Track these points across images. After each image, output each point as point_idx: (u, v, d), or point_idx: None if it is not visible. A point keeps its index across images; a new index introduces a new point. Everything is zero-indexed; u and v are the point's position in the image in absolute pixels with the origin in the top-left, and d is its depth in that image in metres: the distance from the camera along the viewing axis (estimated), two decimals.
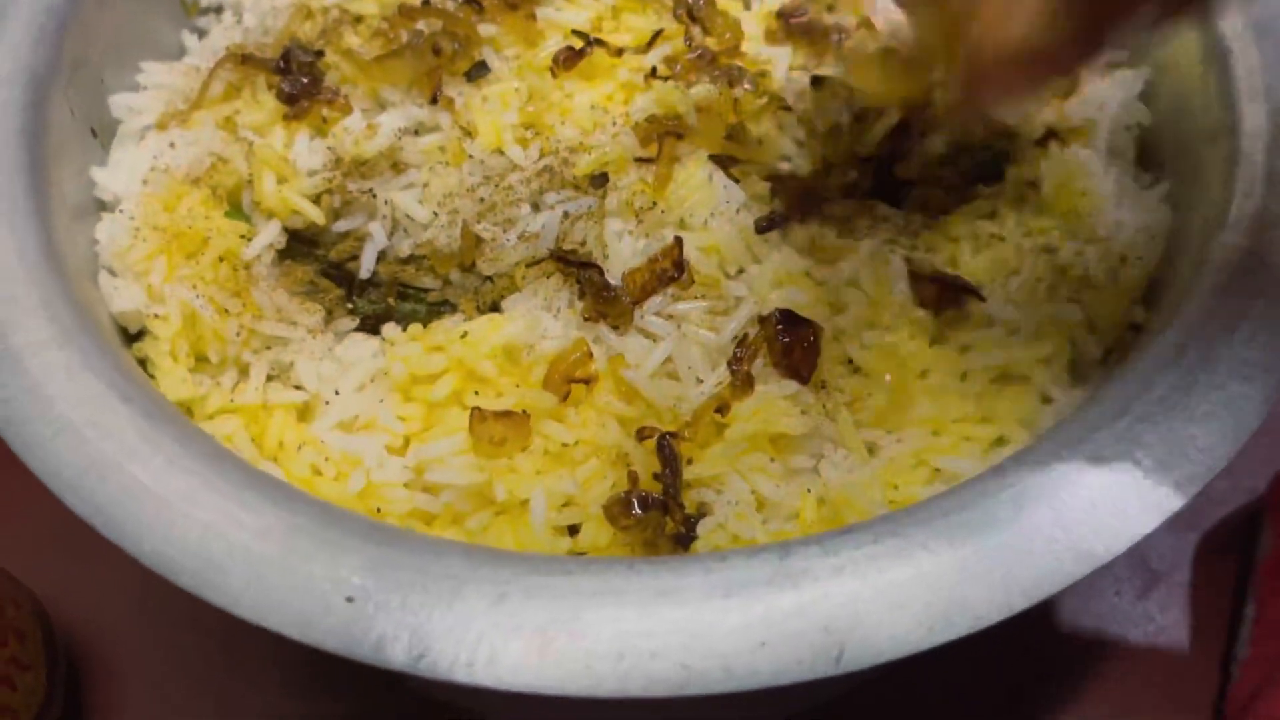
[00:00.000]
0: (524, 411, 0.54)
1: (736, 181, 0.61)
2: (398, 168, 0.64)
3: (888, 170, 0.64)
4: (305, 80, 0.64)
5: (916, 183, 0.63)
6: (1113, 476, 0.48)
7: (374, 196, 0.63)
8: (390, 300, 0.62)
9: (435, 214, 0.62)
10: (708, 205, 0.59)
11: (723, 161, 0.61)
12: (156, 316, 0.58)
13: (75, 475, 0.47)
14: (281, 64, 0.66)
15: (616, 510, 0.52)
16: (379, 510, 0.54)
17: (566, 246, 0.60)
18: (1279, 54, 0.62)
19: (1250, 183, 0.59)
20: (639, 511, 0.52)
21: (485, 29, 0.66)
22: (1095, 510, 0.47)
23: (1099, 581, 0.78)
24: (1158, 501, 0.47)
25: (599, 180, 0.61)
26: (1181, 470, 0.48)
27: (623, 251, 0.59)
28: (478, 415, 0.53)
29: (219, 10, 0.76)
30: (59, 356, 0.51)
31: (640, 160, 0.61)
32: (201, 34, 0.75)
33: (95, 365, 0.51)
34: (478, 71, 0.65)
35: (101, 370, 0.51)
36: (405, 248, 0.62)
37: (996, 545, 0.45)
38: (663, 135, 0.60)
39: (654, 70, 0.63)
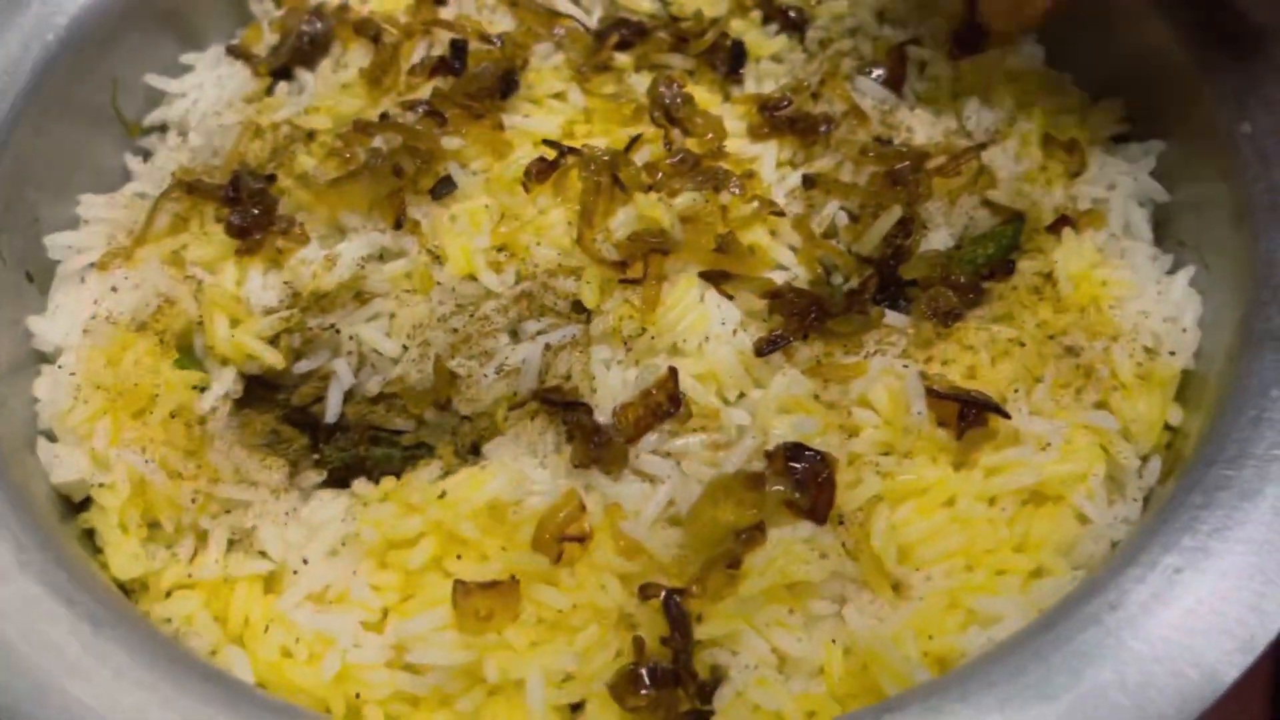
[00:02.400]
0: (512, 578, 0.49)
1: (730, 298, 0.56)
2: (361, 298, 0.59)
3: (892, 271, 0.59)
4: (256, 211, 0.60)
5: (923, 284, 0.59)
6: (1175, 622, 0.43)
7: (337, 332, 0.58)
8: (361, 447, 0.56)
9: (405, 347, 0.57)
10: (701, 328, 0.54)
11: (714, 277, 0.56)
12: (103, 486, 0.53)
13: (12, 700, 0.42)
14: (231, 192, 0.61)
15: (623, 688, 0.46)
16: (358, 695, 0.48)
17: (550, 381, 0.54)
18: None
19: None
20: (649, 687, 0.46)
21: (449, 142, 0.61)
22: (1160, 666, 0.42)
23: None
24: (1235, 644, 0.42)
25: (582, 304, 0.56)
26: (1256, 598, 0.43)
27: (612, 383, 0.54)
28: (461, 590, 0.47)
29: (163, 129, 0.71)
30: None
31: (625, 282, 0.56)
32: (146, 155, 0.70)
33: (34, 563, 0.45)
34: (443, 188, 0.61)
35: (40, 567, 0.45)
36: (374, 385, 0.57)
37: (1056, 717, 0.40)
38: (647, 253, 0.55)
39: (615, 178, 0.58)
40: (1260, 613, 0.43)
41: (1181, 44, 0.63)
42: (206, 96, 0.71)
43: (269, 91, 0.70)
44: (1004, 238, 0.62)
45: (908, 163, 0.60)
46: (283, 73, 0.71)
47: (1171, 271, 0.62)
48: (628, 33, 0.68)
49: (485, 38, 0.66)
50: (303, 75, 0.70)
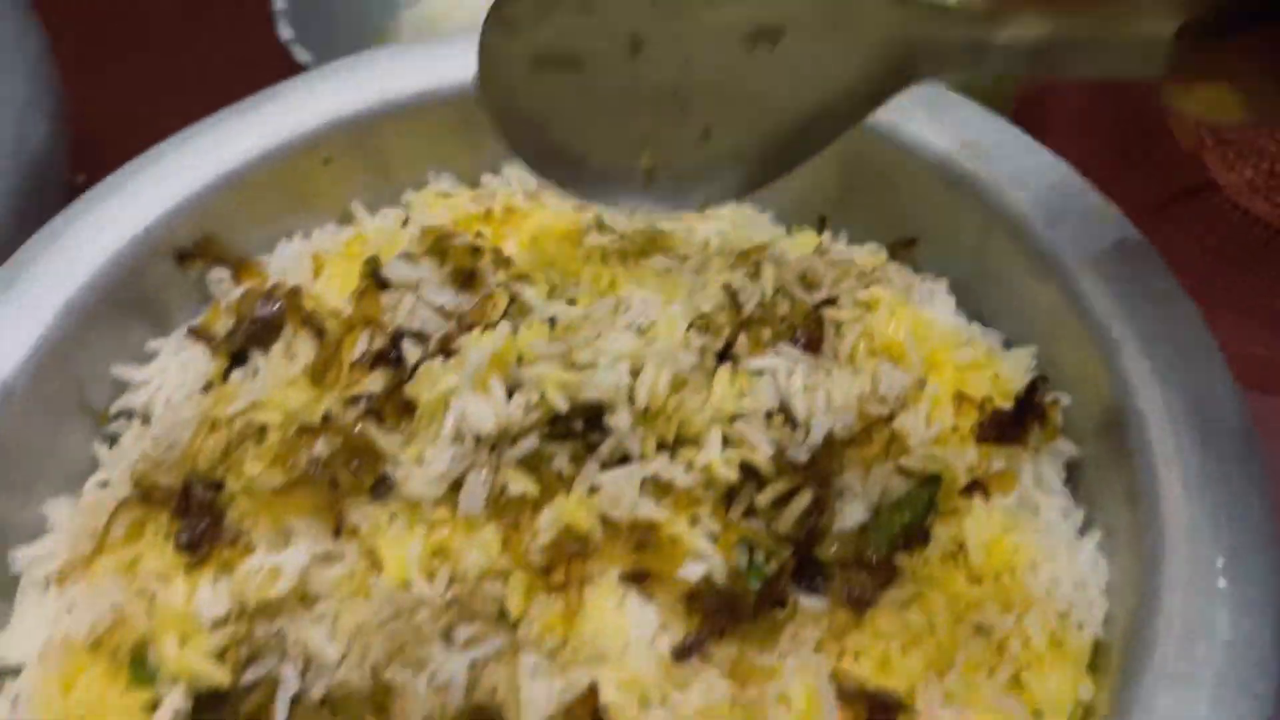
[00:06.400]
0: None
1: (651, 599, 0.59)
2: (306, 601, 0.62)
3: (809, 551, 0.62)
4: (205, 523, 0.63)
5: (839, 563, 0.61)
6: None
7: (283, 638, 0.60)
8: None
9: (346, 652, 0.60)
10: (621, 635, 0.57)
11: (635, 577, 0.59)
12: None
13: None
14: (182, 503, 0.64)
15: None
16: None
17: (479, 695, 0.57)
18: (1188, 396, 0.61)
19: (1172, 532, 0.57)
20: None
21: (388, 440, 0.65)
22: None
23: None
24: None
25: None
26: None
27: (536, 696, 0.56)
28: None
29: (130, 415, 0.75)
30: None
31: (550, 589, 0.59)
32: (113, 440, 0.74)
33: None
34: (383, 486, 0.64)
35: None
36: (318, 690, 0.60)
37: None
38: (569, 559, 0.58)
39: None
40: None
41: (1073, 305, 0.67)
42: (169, 382, 0.75)
43: (225, 375, 0.75)
44: (919, 502, 0.65)
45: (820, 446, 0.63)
46: (240, 353, 0.76)
47: (1083, 529, 0.65)
48: None
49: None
50: (257, 358, 0.75)
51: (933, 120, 0.75)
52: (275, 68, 1.08)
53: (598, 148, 0.65)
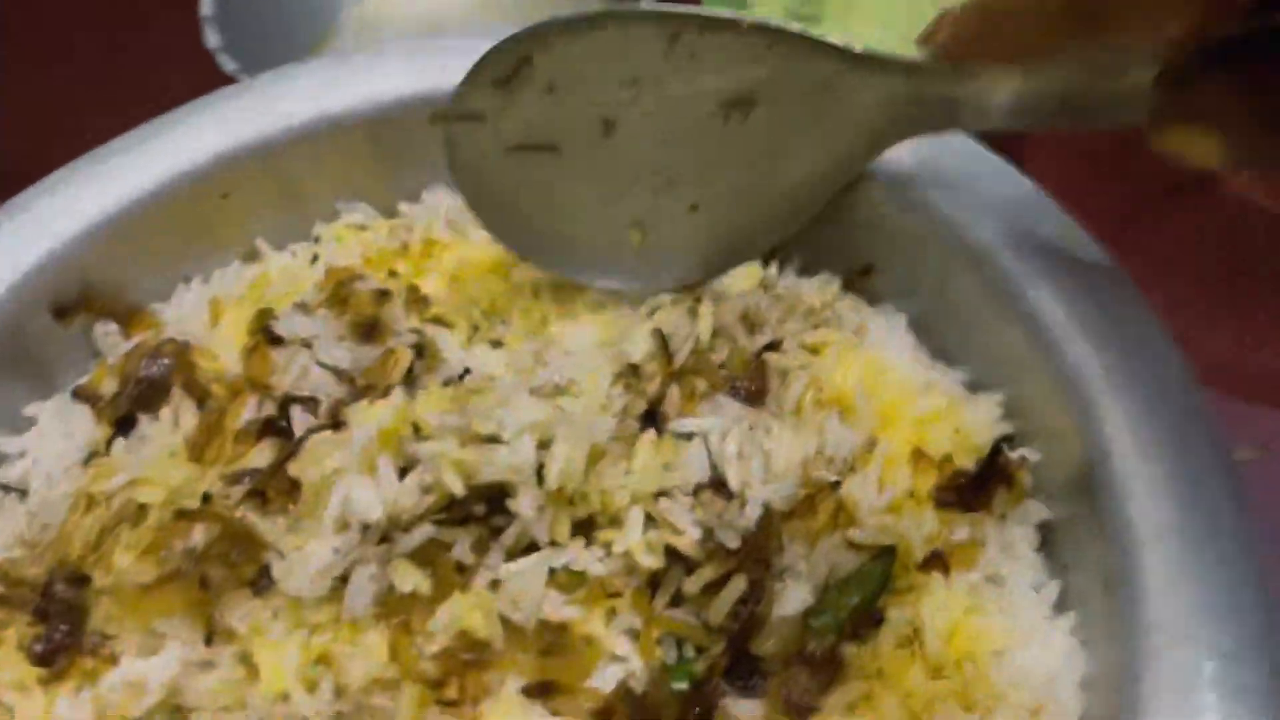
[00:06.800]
0: None
1: (557, 716, 0.52)
2: (177, 714, 0.55)
3: (743, 645, 0.54)
4: (64, 631, 0.56)
5: (779, 662, 0.54)
6: None
7: None
8: None
9: None
10: None
11: (540, 689, 0.52)
12: None
13: None
14: (42, 604, 0.57)
15: None
16: None
17: None
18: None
19: (1154, 628, 0.50)
20: None
21: (271, 526, 0.58)
22: None
23: None
24: None
25: None
26: None
27: None
28: None
29: (6, 489, 0.68)
30: None
31: (443, 704, 0.52)
32: None
33: None
34: (265, 580, 0.57)
35: None
36: None
37: None
38: (464, 669, 0.51)
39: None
40: None
41: (1042, 347, 0.59)
42: (48, 453, 0.68)
43: (109, 444, 0.67)
44: (870, 579, 0.57)
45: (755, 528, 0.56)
46: (126, 418, 0.69)
47: (1058, 604, 0.57)
48: None
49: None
50: (144, 423, 0.67)
51: None
52: (207, 74, 1.01)
53: (586, 228, 0.61)
